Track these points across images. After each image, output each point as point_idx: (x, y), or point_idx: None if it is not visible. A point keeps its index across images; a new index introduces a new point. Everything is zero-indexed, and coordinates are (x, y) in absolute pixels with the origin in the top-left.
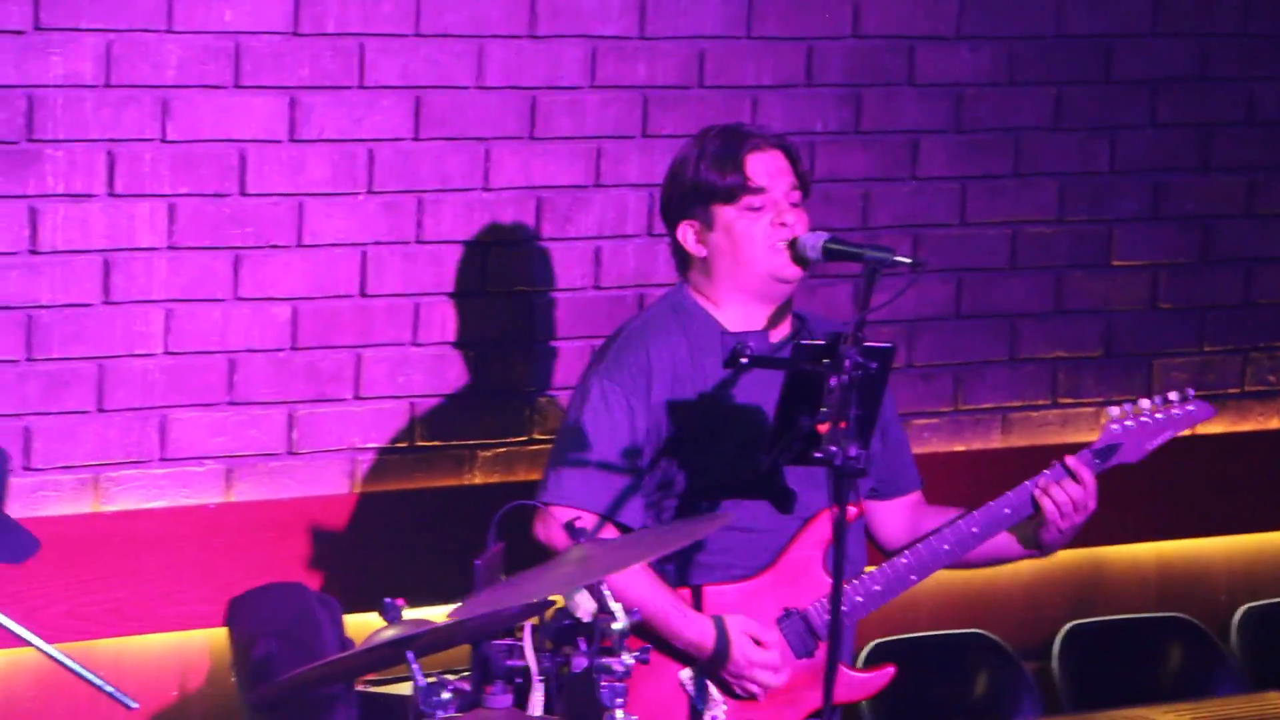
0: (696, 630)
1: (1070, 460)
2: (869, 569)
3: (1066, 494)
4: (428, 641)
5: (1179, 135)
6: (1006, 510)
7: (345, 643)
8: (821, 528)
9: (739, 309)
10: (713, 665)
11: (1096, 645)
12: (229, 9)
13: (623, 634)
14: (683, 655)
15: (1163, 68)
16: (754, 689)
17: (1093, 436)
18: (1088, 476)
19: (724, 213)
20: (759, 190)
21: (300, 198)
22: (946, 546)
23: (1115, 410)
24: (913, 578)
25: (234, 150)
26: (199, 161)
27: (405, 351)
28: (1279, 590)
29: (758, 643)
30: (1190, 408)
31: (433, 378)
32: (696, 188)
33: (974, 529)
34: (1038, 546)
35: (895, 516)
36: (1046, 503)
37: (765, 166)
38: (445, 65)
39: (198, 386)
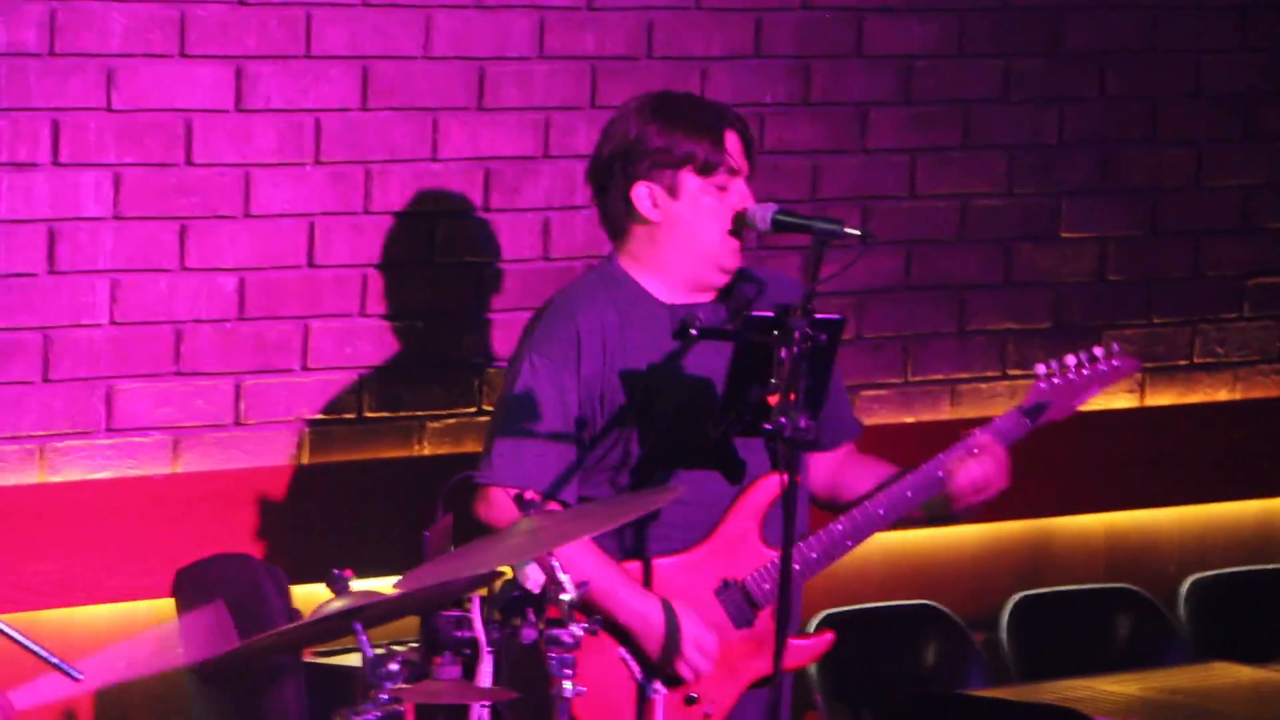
0: (644, 604)
1: (981, 437)
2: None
3: (980, 466)
4: (376, 613)
5: (1128, 107)
6: (939, 474)
7: (292, 614)
8: (757, 497)
9: (674, 282)
10: (653, 643)
11: (1045, 616)
12: None
13: (571, 605)
14: (621, 632)
15: (1112, 40)
16: (691, 670)
17: None
18: (999, 450)
19: (693, 183)
20: (734, 171)
21: (247, 168)
22: (882, 511)
23: (1042, 368)
24: (849, 543)
25: (180, 120)
26: (144, 131)
27: (353, 322)
28: (1226, 561)
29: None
30: (1115, 362)
31: (380, 349)
32: (670, 151)
33: (908, 493)
34: (948, 516)
35: (825, 464)
36: (960, 478)
37: (738, 146)
38: (393, 35)
39: (144, 357)
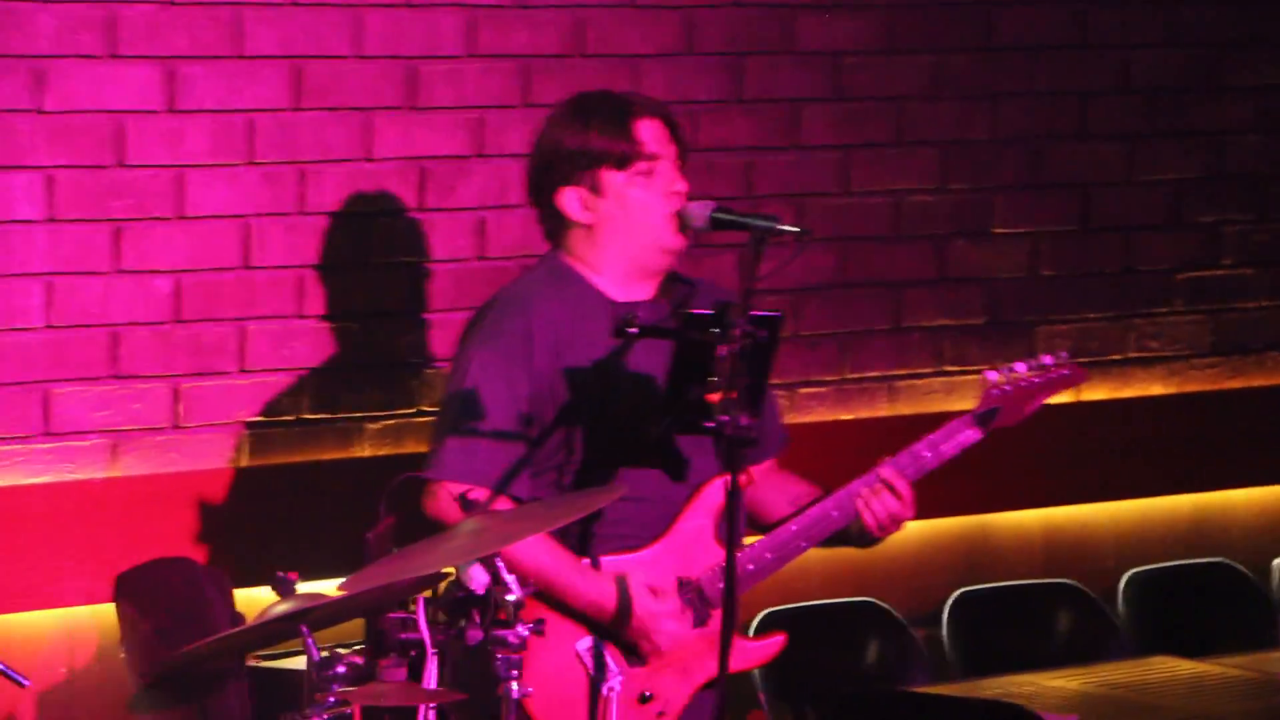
0: (598, 589)
1: (885, 472)
2: (749, 540)
3: (884, 506)
4: (322, 615)
5: (1058, 103)
6: (857, 502)
7: (235, 617)
8: (711, 496)
9: (621, 276)
10: (615, 624)
11: (985, 612)
12: None
13: (517, 606)
14: (583, 619)
15: (1042, 35)
16: (659, 641)
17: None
18: (904, 488)
19: (614, 179)
20: (651, 156)
21: (180, 169)
22: (835, 514)
23: (993, 375)
24: (802, 544)
25: (112, 121)
26: (76, 132)
27: (289, 324)
28: (1164, 555)
29: (656, 595)
30: (1065, 371)
31: (318, 350)
32: (584, 152)
33: (834, 512)
34: (857, 541)
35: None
36: (867, 515)
37: (653, 132)
38: (323, 34)
39: (80, 360)
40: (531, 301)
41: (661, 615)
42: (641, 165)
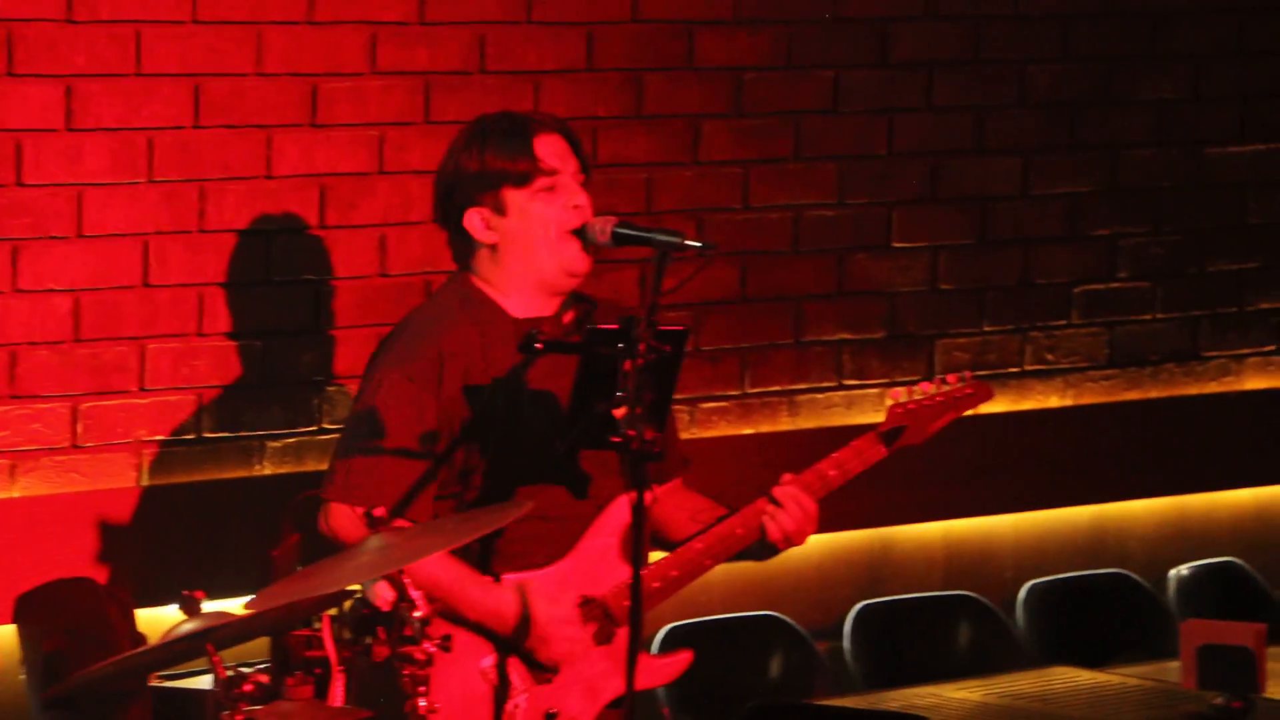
0: (495, 598)
1: (791, 490)
2: (654, 556)
3: (791, 521)
4: (228, 634)
5: (955, 118)
6: (761, 519)
7: (137, 637)
8: (617, 514)
9: (527, 296)
10: (515, 634)
11: (887, 624)
12: None
13: (423, 622)
14: (486, 633)
15: (939, 50)
16: (557, 649)
17: (878, 417)
18: (810, 505)
19: (516, 197)
20: (551, 172)
21: (79, 187)
22: (740, 531)
23: (899, 393)
24: (708, 562)
25: (9, 140)
26: None
27: (190, 342)
28: (1063, 566)
29: (552, 603)
30: (969, 391)
31: (219, 368)
32: (485, 173)
33: (739, 530)
34: (758, 554)
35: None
36: (773, 528)
37: (552, 148)
38: (224, 52)
39: None
40: (445, 326)
41: (559, 621)
42: (542, 181)
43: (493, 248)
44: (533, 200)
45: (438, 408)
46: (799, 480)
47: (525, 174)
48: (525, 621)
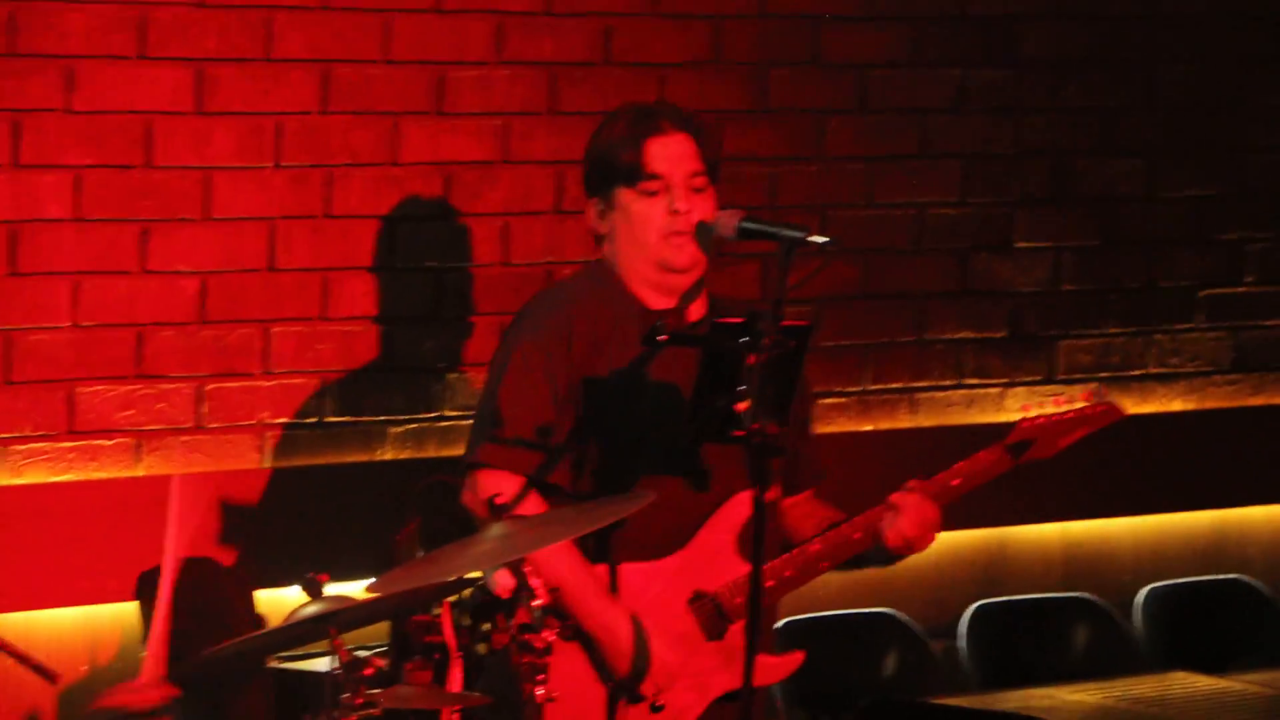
0: (612, 618)
1: (910, 496)
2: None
3: (912, 528)
4: (349, 617)
5: (1081, 118)
6: (881, 523)
7: (255, 619)
8: (736, 511)
9: (646, 288)
10: (617, 657)
11: (1003, 625)
12: None
13: (543, 611)
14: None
15: (1067, 50)
16: (653, 688)
17: (998, 417)
18: (930, 509)
19: (623, 194)
20: (654, 176)
21: (207, 170)
22: (859, 536)
23: (1029, 407)
24: (824, 565)
25: (140, 122)
26: (105, 133)
27: (314, 326)
28: (1182, 570)
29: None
30: (1102, 409)
31: (342, 353)
32: (600, 167)
33: (857, 534)
34: (877, 560)
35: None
36: (892, 534)
37: (666, 151)
38: (352, 39)
39: (106, 360)
40: (575, 297)
41: (671, 668)
42: (645, 184)
43: (607, 239)
44: (637, 200)
45: (567, 374)
46: (922, 487)
47: (629, 173)
48: (637, 654)
